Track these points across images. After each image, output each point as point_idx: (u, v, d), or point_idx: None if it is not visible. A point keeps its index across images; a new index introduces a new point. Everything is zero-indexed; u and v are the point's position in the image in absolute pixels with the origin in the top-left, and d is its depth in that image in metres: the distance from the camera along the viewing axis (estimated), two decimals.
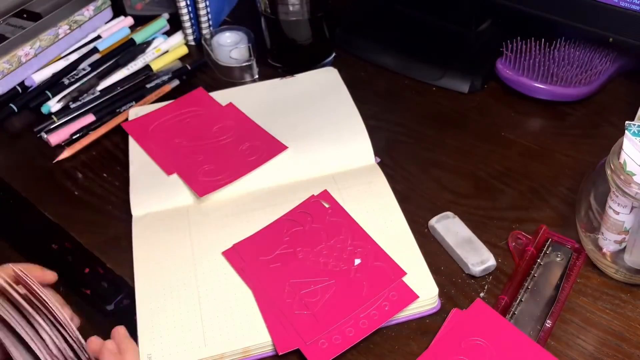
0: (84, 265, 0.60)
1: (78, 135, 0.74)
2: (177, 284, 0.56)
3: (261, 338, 0.52)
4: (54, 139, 0.73)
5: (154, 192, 0.65)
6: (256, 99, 0.75)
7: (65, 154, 0.72)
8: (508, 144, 0.71)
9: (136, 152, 0.69)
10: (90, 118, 0.76)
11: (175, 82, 0.81)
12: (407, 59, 0.81)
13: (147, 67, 0.83)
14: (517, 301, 0.54)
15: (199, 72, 0.83)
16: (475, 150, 0.70)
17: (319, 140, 0.68)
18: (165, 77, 0.81)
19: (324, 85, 0.76)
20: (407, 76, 0.80)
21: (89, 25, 0.88)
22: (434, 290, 0.55)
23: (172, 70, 0.82)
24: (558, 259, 0.58)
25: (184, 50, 0.86)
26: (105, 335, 0.51)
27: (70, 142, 0.73)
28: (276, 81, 0.78)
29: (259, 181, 0.65)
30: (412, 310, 0.54)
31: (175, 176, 0.66)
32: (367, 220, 0.60)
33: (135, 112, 0.75)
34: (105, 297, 0.58)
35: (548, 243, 0.59)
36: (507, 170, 0.67)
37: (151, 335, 0.53)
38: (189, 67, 0.82)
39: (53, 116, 0.76)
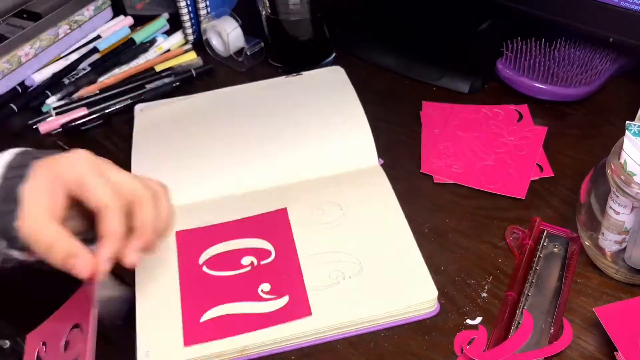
0: None
1: (69, 126, 0.75)
2: (177, 282, 0.56)
3: (260, 337, 0.52)
4: (43, 127, 0.75)
5: None
6: (260, 97, 0.75)
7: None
8: None
9: (138, 152, 0.69)
10: (82, 111, 0.76)
11: (176, 82, 0.81)
12: (407, 59, 0.81)
13: (148, 67, 0.83)
14: (525, 296, 0.54)
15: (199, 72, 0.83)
16: None
17: (323, 140, 0.68)
18: (166, 79, 0.81)
19: (330, 84, 0.76)
20: (407, 76, 0.80)
21: (89, 25, 0.88)
22: (434, 292, 0.54)
23: (173, 70, 0.82)
24: (556, 249, 0.58)
25: (193, 56, 0.85)
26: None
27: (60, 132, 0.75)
28: (281, 79, 0.78)
29: (261, 180, 0.65)
30: (412, 314, 0.54)
31: (173, 175, 0.64)
32: (368, 222, 0.60)
33: (140, 108, 0.75)
34: None
35: (544, 235, 0.59)
36: None
37: (150, 332, 0.53)
38: (194, 74, 0.82)
39: (52, 110, 0.76)
